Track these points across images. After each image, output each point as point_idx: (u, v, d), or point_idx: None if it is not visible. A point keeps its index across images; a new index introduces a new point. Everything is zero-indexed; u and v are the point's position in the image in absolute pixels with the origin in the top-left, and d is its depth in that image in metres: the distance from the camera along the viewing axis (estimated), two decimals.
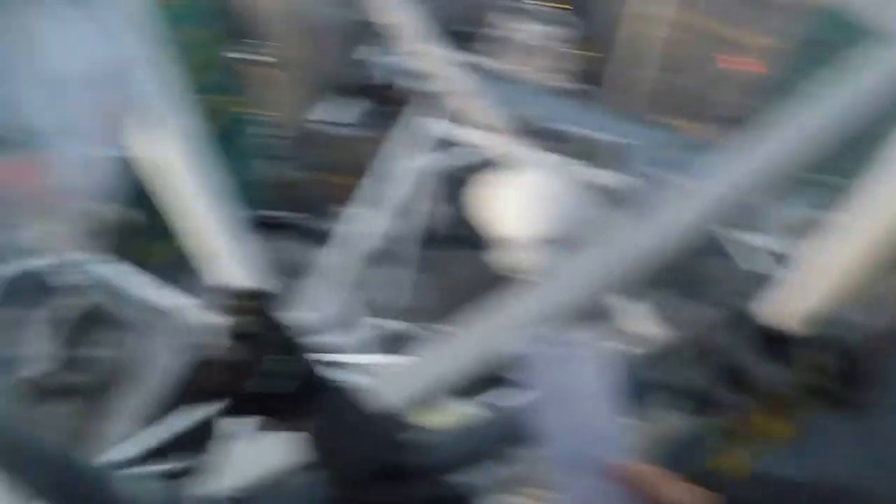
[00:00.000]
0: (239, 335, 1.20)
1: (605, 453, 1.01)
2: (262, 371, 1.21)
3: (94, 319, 19.23)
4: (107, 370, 18.96)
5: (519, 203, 8.26)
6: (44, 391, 18.67)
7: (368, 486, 1.12)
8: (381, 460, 1.14)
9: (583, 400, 1.04)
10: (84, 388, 19.28)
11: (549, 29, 44.78)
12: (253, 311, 1.24)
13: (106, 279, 16.59)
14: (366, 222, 15.53)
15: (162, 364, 19.14)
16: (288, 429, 1.24)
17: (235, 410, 1.21)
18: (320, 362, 1.27)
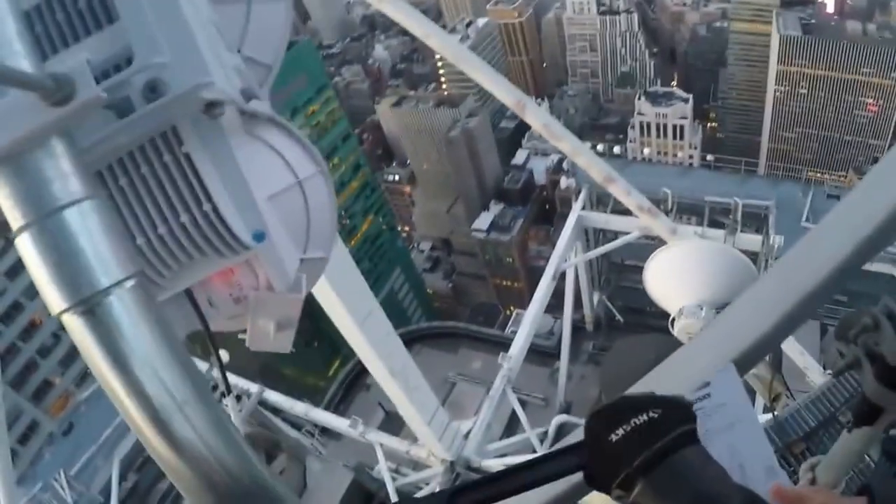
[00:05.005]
0: None
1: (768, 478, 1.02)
2: None
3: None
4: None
5: (682, 274, 8.95)
6: None
7: None
8: None
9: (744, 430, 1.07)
10: None
11: (673, 108, 45.17)
12: None
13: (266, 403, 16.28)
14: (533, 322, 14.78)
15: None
16: None
17: None
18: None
